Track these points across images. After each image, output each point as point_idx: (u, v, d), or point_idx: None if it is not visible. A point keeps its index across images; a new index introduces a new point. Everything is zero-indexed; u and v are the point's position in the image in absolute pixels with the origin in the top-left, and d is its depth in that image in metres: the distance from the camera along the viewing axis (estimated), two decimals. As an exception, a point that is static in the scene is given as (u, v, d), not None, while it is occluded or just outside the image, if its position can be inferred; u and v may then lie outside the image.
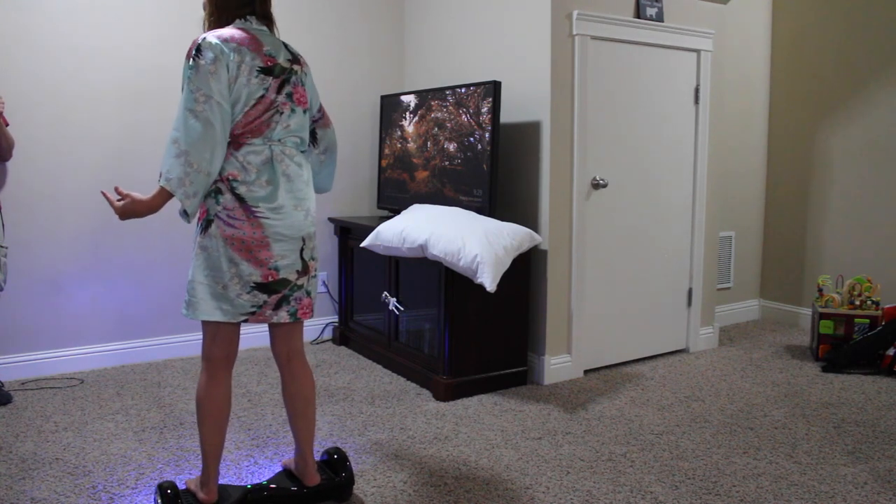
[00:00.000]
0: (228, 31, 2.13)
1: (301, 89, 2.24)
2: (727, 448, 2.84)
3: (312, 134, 2.43)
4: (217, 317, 2.12)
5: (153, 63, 3.78)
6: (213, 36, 2.10)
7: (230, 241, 2.10)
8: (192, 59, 2.06)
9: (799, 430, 3.02)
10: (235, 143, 2.12)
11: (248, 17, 2.20)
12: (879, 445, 2.87)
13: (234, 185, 2.10)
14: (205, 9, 2.25)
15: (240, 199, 2.10)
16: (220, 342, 2.18)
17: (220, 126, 2.04)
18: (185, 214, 2.07)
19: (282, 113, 2.17)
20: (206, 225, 2.12)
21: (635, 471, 2.63)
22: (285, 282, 2.17)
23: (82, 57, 3.62)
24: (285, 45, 2.24)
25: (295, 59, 2.24)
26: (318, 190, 2.54)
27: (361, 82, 4.48)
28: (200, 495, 2.22)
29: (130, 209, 2.06)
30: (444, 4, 4.26)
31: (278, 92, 2.16)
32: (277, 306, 2.17)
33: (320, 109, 2.44)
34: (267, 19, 2.24)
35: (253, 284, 2.12)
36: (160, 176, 2.02)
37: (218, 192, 2.10)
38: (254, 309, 2.14)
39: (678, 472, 2.62)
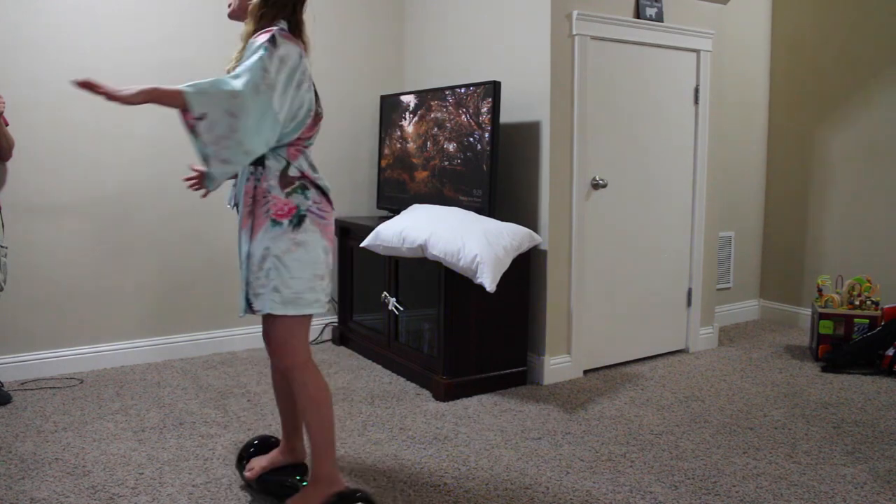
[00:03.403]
0: (288, 33, 2.11)
1: None
2: (727, 448, 2.84)
3: None
4: (316, 308, 2.17)
5: (154, 62, 3.78)
6: (284, 35, 2.07)
7: (324, 231, 2.19)
8: (270, 44, 2.02)
9: (798, 431, 3.02)
10: (297, 144, 2.17)
11: (283, 20, 2.15)
12: (879, 445, 2.87)
13: (317, 180, 2.20)
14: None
15: (324, 192, 2.20)
16: (308, 334, 2.24)
17: (265, 117, 2.00)
18: (210, 179, 1.99)
19: (320, 122, 2.26)
20: (298, 221, 2.13)
21: (635, 471, 2.63)
22: None
23: (82, 57, 3.61)
24: None
25: None
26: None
27: (361, 82, 4.48)
28: (341, 487, 2.24)
29: (141, 92, 1.90)
30: (444, 4, 4.26)
31: (316, 101, 2.22)
32: None
33: None
34: (297, 27, 2.20)
35: (328, 272, 2.23)
36: (189, 87, 1.91)
37: (304, 187, 2.16)
38: (328, 296, 2.25)
39: (678, 472, 2.62)
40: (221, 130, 1.93)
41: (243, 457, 2.52)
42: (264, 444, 2.53)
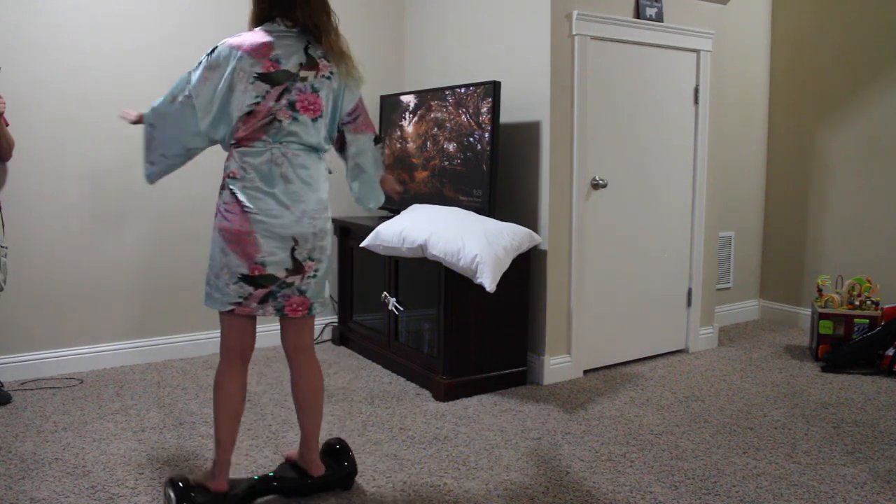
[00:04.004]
0: (242, 37, 2.20)
1: (311, 96, 2.22)
2: (727, 448, 2.84)
3: (342, 138, 2.44)
4: (208, 303, 2.28)
5: (154, 62, 3.77)
6: (228, 42, 2.19)
7: (223, 232, 2.21)
8: (205, 56, 2.21)
9: (798, 431, 3.02)
10: (237, 144, 2.23)
11: (277, 18, 2.21)
12: (879, 445, 2.87)
13: (230, 181, 2.22)
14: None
15: (233, 194, 2.20)
16: (233, 333, 2.28)
17: (181, 123, 2.22)
18: (145, 175, 2.33)
19: (280, 121, 2.20)
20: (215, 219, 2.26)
21: (635, 471, 2.63)
22: (272, 278, 2.22)
23: (82, 57, 3.61)
24: (307, 49, 2.21)
25: (311, 63, 2.21)
26: (363, 204, 2.59)
27: (361, 82, 4.47)
28: (210, 484, 2.25)
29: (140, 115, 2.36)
30: (445, 4, 4.26)
31: (277, 100, 2.18)
32: (263, 301, 2.24)
33: (352, 113, 2.38)
34: (297, 23, 2.20)
35: (239, 276, 2.20)
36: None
37: (223, 187, 2.25)
38: (239, 300, 2.22)
39: (678, 472, 2.62)
40: (146, 138, 2.30)
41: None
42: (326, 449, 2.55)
